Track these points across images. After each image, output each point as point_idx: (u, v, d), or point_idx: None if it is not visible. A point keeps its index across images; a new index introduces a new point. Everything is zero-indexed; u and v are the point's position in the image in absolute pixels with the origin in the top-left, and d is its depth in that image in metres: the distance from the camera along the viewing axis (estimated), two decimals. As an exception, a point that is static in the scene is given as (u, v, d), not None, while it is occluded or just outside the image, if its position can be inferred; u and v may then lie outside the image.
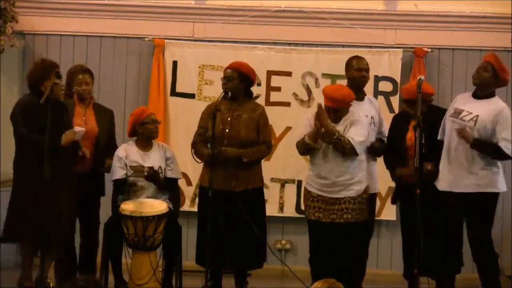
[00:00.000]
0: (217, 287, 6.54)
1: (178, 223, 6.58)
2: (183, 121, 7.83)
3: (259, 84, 7.86)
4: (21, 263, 6.47)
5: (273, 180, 7.91)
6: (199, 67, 7.99)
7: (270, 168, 7.68)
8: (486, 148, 6.07)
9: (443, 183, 6.18)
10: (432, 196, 6.15)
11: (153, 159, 6.61)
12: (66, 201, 6.20)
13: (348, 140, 6.05)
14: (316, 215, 6.22)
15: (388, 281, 7.43)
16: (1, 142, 7.53)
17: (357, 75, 6.56)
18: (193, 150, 6.57)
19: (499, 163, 6.20)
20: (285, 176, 7.95)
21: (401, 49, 7.92)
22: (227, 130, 6.45)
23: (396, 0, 8.07)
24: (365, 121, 6.29)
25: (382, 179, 6.89)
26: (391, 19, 8.04)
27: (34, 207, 5.98)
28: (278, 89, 7.98)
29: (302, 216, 7.73)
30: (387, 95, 7.85)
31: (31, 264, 6.36)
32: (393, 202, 6.80)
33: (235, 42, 8.01)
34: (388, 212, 7.73)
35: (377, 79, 7.77)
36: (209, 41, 8.07)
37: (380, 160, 6.76)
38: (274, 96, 7.97)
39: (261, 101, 7.74)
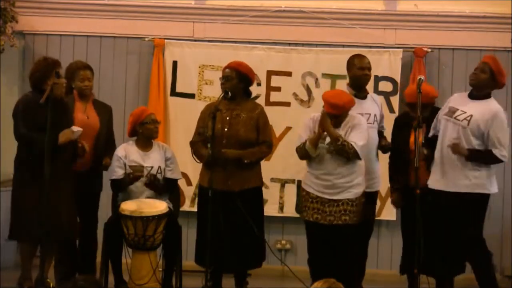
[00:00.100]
0: (217, 287, 6.54)
1: (178, 223, 6.58)
2: (183, 121, 7.83)
3: (259, 84, 7.86)
4: (20, 264, 6.46)
5: (273, 180, 7.91)
6: (199, 67, 7.99)
7: (270, 168, 7.68)
8: (481, 158, 6.12)
9: (435, 181, 6.18)
10: (432, 196, 6.15)
11: (153, 159, 6.61)
12: (66, 200, 6.19)
13: (351, 145, 6.07)
14: (315, 216, 6.23)
15: (388, 281, 7.44)
16: (1, 142, 7.53)
17: (359, 73, 6.57)
18: (192, 150, 6.58)
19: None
20: (285, 176, 7.94)
21: (401, 49, 7.92)
22: (225, 129, 6.45)
23: (396, 0, 8.07)
24: (364, 124, 6.29)
25: (383, 179, 6.88)
26: (391, 19, 8.03)
27: (34, 207, 5.98)
28: (278, 89, 7.98)
29: (302, 216, 7.76)
30: (387, 95, 7.84)
31: (30, 264, 6.35)
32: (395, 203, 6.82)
33: (235, 42, 8.01)
34: (388, 212, 7.73)
35: (377, 79, 7.77)
36: (209, 41, 8.07)
37: (382, 159, 6.76)
38: (274, 96, 7.97)
39: (261, 101, 7.74)
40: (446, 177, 6.13)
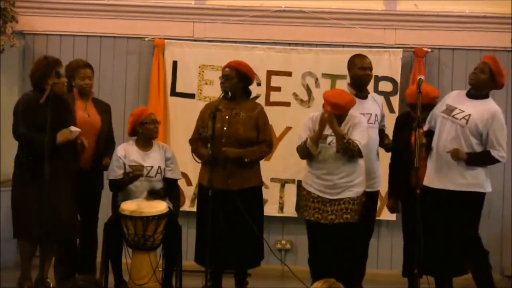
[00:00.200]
0: (217, 287, 6.54)
1: (178, 223, 6.59)
2: (183, 121, 7.82)
3: (259, 84, 7.86)
4: (20, 263, 6.46)
5: (273, 180, 7.91)
6: (199, 67, 7.99)
7: (270, 168, 7.68)
8: (480, 160, 6.13)
9: (431, 179, 6.17)
10: (428, 194, 6.14)
11: (152, 159, 6.61)
12: (66, 200, 6.19)
13: (355, 143, 6.08)
14: (316, 216, 6.23)
15: (388, 281, 7.44)
16: (1, 142, 7.53)
17: (361, 73, 6.56)
18: (192, 149, 6.59)
19: None
20: (285, 176, 7.94)
21: (401, 49, 7.91)
22: (225, 129, 6.45)
23: (396, 0, 8.07)
24: (364, 122, 6.30)
25: (383, 179, 6.87)
26: (391, 19, 8.03)
27: (34, 206, 5.98)
28: (278, 89, 7.98)
29: (302, 216, 7.75)
30: (387, 95, 7.84)
31: (30, 264, 6.35)
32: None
33: (235, 42, 8.01)
34: (388, 212, 7.71)
35: (377, 79, 7.77)
36: (209, 41, 8.07)
37: (382, 159, 6.76)
38: (274, 96, 7.97)
39: (261, 101, 7.74)
40: (443, 175, 6.12)
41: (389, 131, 6.88)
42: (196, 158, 6.55)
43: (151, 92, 7.97)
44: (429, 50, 7.90)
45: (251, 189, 6.52)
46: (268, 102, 7.89)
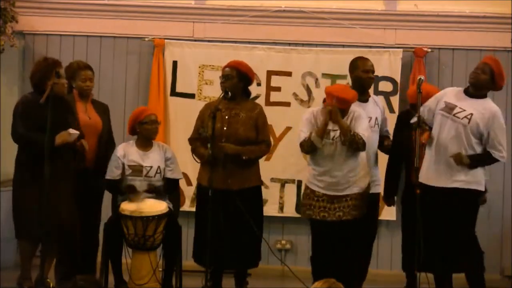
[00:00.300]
0: (217, 287, 6.54)
1: (178, 223, 6.58)
2: (183, 121, 7.82)
3: (259, 84, 7.86)
4: (20, 264, 6.45)
5: (273, 180, 7.91)
6: (199, 67, 8.00)
7: (270, 168, 7.68)
8: (482, 162, 6.15)
9: (429, 177, 6.17)
10: (430, 194, 6.14)
11: (152, 159, 6.61)
12: (66, 200, 6.19)
13: (360, 135, 6.09)
14: (321, 214, 6.22)
15: (388, 281, 7.44)
16: (1, 142, 7.53)
17: (364, 76, 6.55)
18: (191, 148, 6.59)
19: None
20: (285, 176, 7.94)
21: (401, 49, 7.92)
22: (225, 128, 6.46)
23: (396, 0, 8.07)
24: (364, 114, 6.31)
25: (383, 179, 6.88)
26: (391, 19, 8.04)
27: (34, 207, 5.98)
28: (278, 89, 7.98)
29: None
30: (387, 95, 7.84)
31: (30, 264, 6.35)
32: (402, 202, 6.85)
33: (235, 42, 8.01)
34: (388, 212, 7.72)
35: (377, 79, 7.76)
36: (209, 41, 8.07)
37: (381, 162, 6.76)
38: (274, 96, 7.97)
39: (261, 101, 7.75)
40: (443, 173, 6.12)
41: (390, 130, 6.87)
42: (196, 158, 6.55)
43: (151, 92, 7.98)
44: (429, 50, 7.90)
45: (251, 189, 6.52)
46: (268, 102, 7.90)
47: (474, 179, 6.10)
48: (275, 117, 7.65)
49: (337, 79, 7.84)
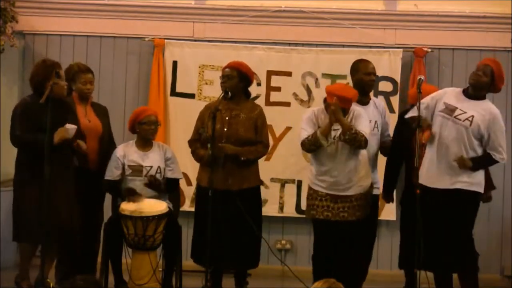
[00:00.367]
0: (217, 287, 6.54)
1: (178, 223, 6.58)
2: (183, 121, 7.82)
3: (259, 84, 7.87)
4: (19, 263, 6.45)
5: (273, 180, 7.91)
6: (199, 67, 8.00)
7: (270, 168, 7.68)
8: (483, 164, 6.18)
9: (431, 179, 6.17)
10: (431, 195, 6.15)
11: (152, 159, 6.61)
12: (67, 201, 6.19)
13: (362, 133, 6.09)
14: (325, 214, 6.22)
15: (388, 281, 7.44)
16: (1, 142, 7.53)
17: (366, 79, 6.53)
18: (191, 150, 6.59)
19: None
20: (285, 176, 7.95)
21: (401, 49, 7.92)
22: (225, 129, 6.46)
23: (396, 0, 8.07)
24: (364, 113, 6.31)
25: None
26: (391, 19, 8.04)
27: (34, 206, 5.98)
28: (278, 89, 7.98)
29: (302, 216, 7.73)
30: (387, 95, 7.85)
31: (29, 264, 6.34)
32: (401, 202, 6.85)
33: (235, 42, 8.02)
34: (388, 212, 7.73)
35: (377, 79, 7.73)
36: (209, 41, 8.07)
37: (381, 162, 6.75)
38: (274, 96, 7.97)
39: (261, 101, 7.75)
40: (444, 175, 6.12)
41: (390, 130, 6.87)
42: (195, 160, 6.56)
43: (151, 92, 7.98)
44: (429, 50, 7.90)
45: (250, 190, 6.52)
46: (268, 102, 7.90)
47: (475, 180, 6.12)
48: (275, 117, 7.65)
49: (337, 79, 7.84)
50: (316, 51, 7.98)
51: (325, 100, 6.28)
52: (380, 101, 7.03)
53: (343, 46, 7.99)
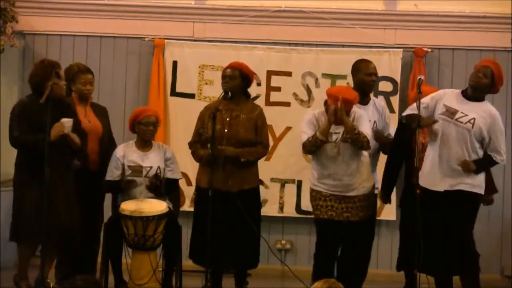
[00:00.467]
0: (217, 287, 6.54)
1: (178, 223, 6.58)
2: (183, 121, 7.83)
3: (259, 84, 7.87)
4: (18, 263, 6.45)
5: (273, 180, 7.91)
6: (199, 67, 8.00)
7: (270, 168, 7.68)
8: (485, 166, 6.20)
9: (433, 181, 6.16)
10: (433, 197, 6.15)
11: (151, 159, 6.61)
12: (67, 201, 6.18)
13: (364, 134, 6.10)
14: (329, 213, 6.22)
15: (388, 281, 7.43)
16: (1, 142, 7.53)
17: (368, 79, 6.53)
18: (191, 151, 6.60)
19: None
20: (285, 176, 7.94)
21: (401, 49, 7.92)
22: (226, 130, 6.46)
23: (396, 0, 8.07)
24: (365, 115, 6.32)
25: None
26: (391, 19, 8.04)
27: (34, 207, 5.98)
28: (278, 89, 7.98)
29: (302, 216, 7.75)
30: (387, 95, 7.85)
31: (28, 265, 6.34)
32: (401, 205, 6.82)
33: (235, 42, 8.02)
34: (388, 212, 7.73)
35: (377, 79, 7.69)
36: (209, 41, 8.07)
37: (381, 163, 6.75)
38: (274, 96, 7.97)
39: (261, 101, 7.75)
40: (448, 177, 6.12)
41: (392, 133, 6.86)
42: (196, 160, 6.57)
43: (151, 92, 7.98)
44: (429, 50, 7.90)
45: (250, 190, 6.52)
46: (268, 102, 7.90)
47: (477, 182, 6.13)
48: (275, 117, 7.65)
49: (337, 79, 7.84)
50: (316, 51, 7.98)
51: (325, 103, 6.28)
52: (380, 101, 7.04)
53: (343, 46, 7.99)
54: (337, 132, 6.17)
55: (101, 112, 6.78)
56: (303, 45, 8.07)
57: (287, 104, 7.96)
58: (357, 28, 7.98)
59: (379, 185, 6.70)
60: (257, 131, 6.55)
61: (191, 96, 8.01)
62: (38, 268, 5.99)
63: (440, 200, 6.10)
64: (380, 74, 7.72)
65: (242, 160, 6.42)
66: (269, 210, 7.74)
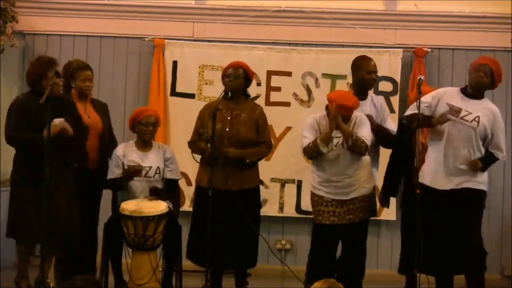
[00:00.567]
0: (217, 287, 6.54)
1: (178, 223, 6.58)
2: (183, 121, 7.83)
3: (259, 84, 7.87)
4: (17, 263, 6.45)
5: (273, 180, 7.91)
6: (199, 67, 8.00)
7: (270, 168, 7.68)
8: (488, 164, 6.21)
9: (438, 180, 6.16)
10: (437, 195, 6.14)
11: (151, 159, 6.61)
12: (66, 200, 6.18)
13: (362, 139, 6.10)
14: (331, 219, 6.21)
15: (388, 281, 7.43)
16: (1, 142, 7.52)
17: (368, 77, 6.52)
18: (191, 149, 6.59)
19: None
20: (285, 176, 7.94)
21: (401, 49, 7.92)
22: (227, 129, 6.46)
23: (396, 0, 8.07)
24: (366, 119, 6.31)
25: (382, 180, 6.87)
26: (391, 19, 8.04)
27: (33, 206, 5.97)
28: (278, 89, 7.98)
29: (302, 216, 7.75)
30: (387, 95, 7.85)
31: (27, 264, 6.34)
32: (401, 206, 6.81)
33: (235, 42, 8.02)
34: (388, 212, 7.72)
35: (377, 79, 7.69)
36: (209, 41, 8.07)
37: (382, 163, 6.75)
38: (274, 96, 7.97)
39: (261, 101, 7.75)
40: (454, 175, 6.12)
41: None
42: (196, 158, 6.55)
43: (151, 92, 7.98)
44: (429, 50, 7.91)
45: (250, 190, 6.52)
46: (268, 102, 7.90)
47: (482, 179, 6.18)
48: (275, 117, 7.65)
49: (337, 79, 7.84)
50: (316, 51, 7.98)
51: (327, 107, 6.27)
52: (379, 98, 7.01)
53: (343, 46, 7.99)
54: (338, 136, 6.17)
55: (101, 108, 6.78)
56: (303, 45, 8.07)
57: (287, 104, 7.96)
58: (357, 28, 7.98)
59: (378, 184, 6.70)
60: (259, 130, 6.54)
61: (191, 96, 8.01)
62: (38, 268, 5.99)
63: (443, 200, 6.10)
64: (380, 74, 7.72)
65: (248, 161, 6.42)
66: (269, 210, 7.74)
